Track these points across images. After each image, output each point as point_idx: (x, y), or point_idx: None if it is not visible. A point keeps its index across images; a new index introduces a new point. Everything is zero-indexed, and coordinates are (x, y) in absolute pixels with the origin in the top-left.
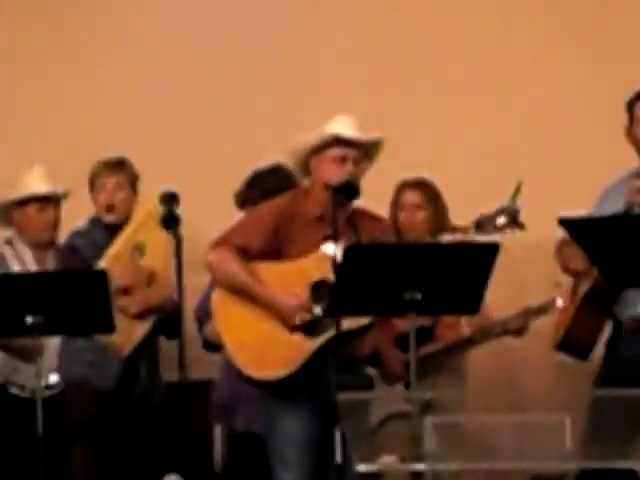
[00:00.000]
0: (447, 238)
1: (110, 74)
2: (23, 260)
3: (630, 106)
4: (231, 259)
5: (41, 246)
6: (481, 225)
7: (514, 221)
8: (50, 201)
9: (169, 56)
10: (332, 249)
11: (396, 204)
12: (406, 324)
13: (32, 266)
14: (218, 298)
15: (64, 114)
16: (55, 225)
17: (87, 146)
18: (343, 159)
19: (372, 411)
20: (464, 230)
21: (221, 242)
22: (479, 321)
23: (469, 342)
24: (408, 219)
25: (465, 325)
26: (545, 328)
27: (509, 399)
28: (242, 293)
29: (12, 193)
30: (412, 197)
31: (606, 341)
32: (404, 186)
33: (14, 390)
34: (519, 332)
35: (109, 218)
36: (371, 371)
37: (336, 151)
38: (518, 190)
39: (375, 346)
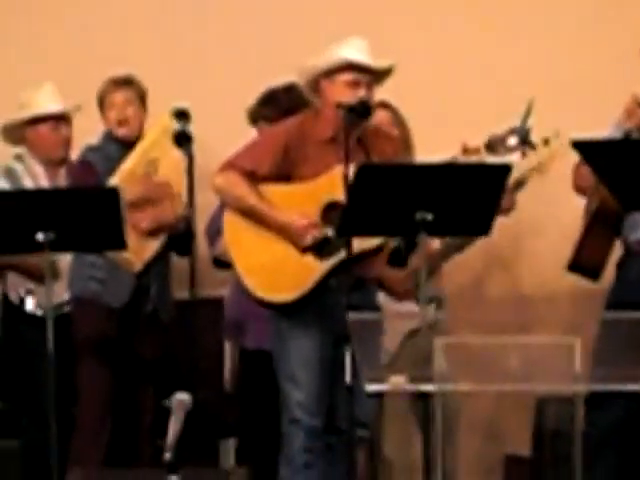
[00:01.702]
0: (459, 158)
1: None
2: (35, 176)
3: None
4: (239, 182)
5: (54, 163)
6: (492, 146)
7: (525, 141)
8: (63, 119)
9: None
10: (344, 170)
11: None
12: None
13: (44, 182)
14: (228, 221)
15: (71, 32)
16: (68, 142)
17: (95, 64)
18: (356, 84)
19: (389, 335)
20: (475, 151)
21: (229, 165)
22: None
23: (448, 251)
24: None
25: (435, 242)
26: (558, 250)
27: (520, 320)
28: (251, 216)
29: (22, 112)
30: (384, 115)
31: (617, 263)
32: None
33: (30, 308)
34: (507, 210)
35: (122, 132)
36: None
37: (349, 76)
38: (529, 110)
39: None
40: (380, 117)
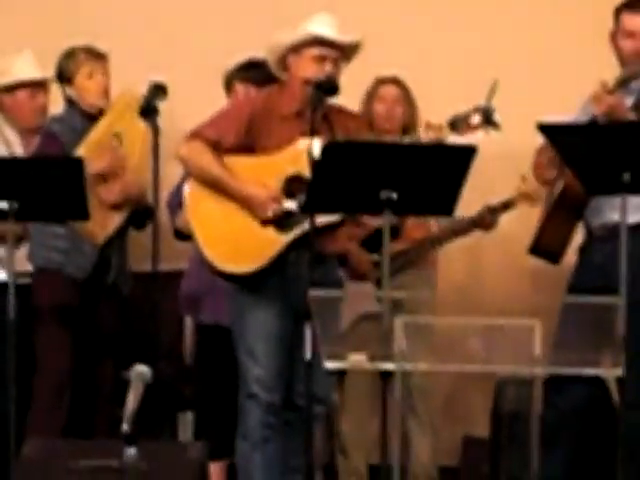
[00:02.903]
0: (421, 136)
1: None
2: (9, 143)
3: (617, 13)
4: (204, 152)
5: (29, 131)
6: (455, 124)
7: (488, 121)
8: (41, 87)
9: None
10: (308, 145)
11: (372, 97)
12: (374, 222)
13: (18, 150)
14: (190, 191)
15: (49, 3)
16: (44, 111)
17: (71, 36)
18: (322, 59)
19: (343, 312)
20: (438, 128)
21: (194, 135)
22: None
23: (436, 240)
24: (387, 111)
25: (434, 225)
26: (521, 233)
27: (481, 302)
28: (214, 186)
29: (1, 78)
30: (392, 90)
31: (578, 248)
32: (383, 81)
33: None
34: (488, 227)
35: (104, 102)
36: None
37: (315, 51)
38: (494, 90)
39: (342, 246)
40: (388, 92)
